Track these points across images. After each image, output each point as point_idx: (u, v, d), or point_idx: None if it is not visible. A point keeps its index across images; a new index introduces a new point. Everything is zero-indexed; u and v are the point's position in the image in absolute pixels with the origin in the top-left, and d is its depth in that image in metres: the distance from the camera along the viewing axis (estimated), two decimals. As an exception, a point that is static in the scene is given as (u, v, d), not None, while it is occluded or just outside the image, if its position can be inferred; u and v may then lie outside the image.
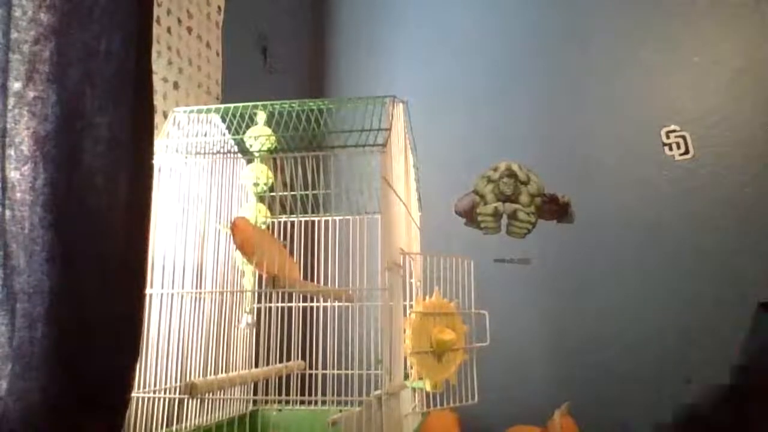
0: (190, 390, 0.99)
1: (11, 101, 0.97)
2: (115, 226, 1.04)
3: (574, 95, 2.24)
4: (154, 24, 1.41)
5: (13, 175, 0.97)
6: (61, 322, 0.98)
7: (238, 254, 1.13)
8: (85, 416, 0.98)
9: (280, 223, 1.40)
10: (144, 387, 1.04)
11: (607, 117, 2.20)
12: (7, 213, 0.96)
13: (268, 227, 1.32)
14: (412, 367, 1.16)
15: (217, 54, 1.74)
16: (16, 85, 0.97)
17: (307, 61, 2.37)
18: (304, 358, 1.31)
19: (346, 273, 1.30)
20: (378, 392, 1.02)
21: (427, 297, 1.26)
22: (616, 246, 2.10)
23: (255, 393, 1.30)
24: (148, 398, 1.01)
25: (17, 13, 0.97)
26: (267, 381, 1.27)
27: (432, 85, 2.34)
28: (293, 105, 1.37)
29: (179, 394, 1.02)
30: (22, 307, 0.96)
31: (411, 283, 1.31)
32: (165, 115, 1.33)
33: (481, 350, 1.25)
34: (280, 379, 1.27)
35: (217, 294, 1.14)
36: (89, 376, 0.99)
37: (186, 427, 1.11)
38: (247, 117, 1.36)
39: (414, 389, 1.23)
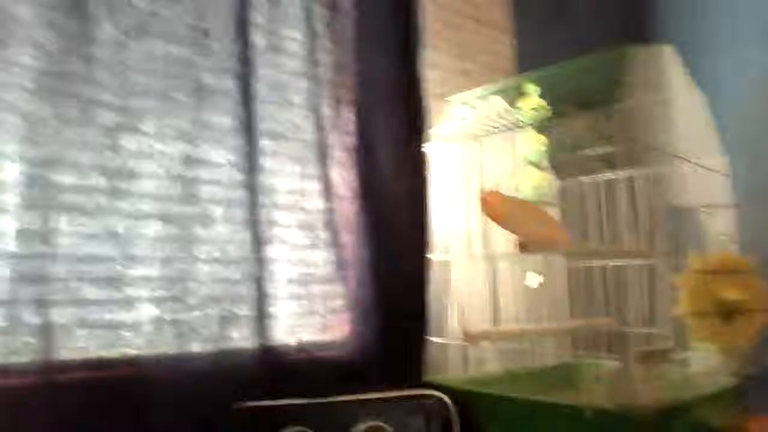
0: (468, 338, 1.18)
1: (326, 125, 1.32)
2: (402, 207, 1.31)
3: None
4: (437, 21, 1.62)
5: (334, 178, 1.33)
6: (377, 282, 1.31)
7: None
8: (399, 352, 1.29)
9: (560, 187, 1.45)
10: (439, 335, 1.29)
11: None
12: (334, 205, 1.32)
13: (545, 195, 1.39)
14: (691, 330, 1.08)
15: (505, 26, 1.83)
16: (327, 112, 1.32)
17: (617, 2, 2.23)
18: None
19: (629, 231, 1.29)
20: (638, 349, 1.02)
21: (714, 252, 1.14)
22: None
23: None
24: (440, 343, 1.25)
25: (321, 57, 1.32)
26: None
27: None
28: (562, 69, 1.40)
29: (462, 341, 1.23)
30: (351, 273, 1.32)
31: (703, 238, 1.20)
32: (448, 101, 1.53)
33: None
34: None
35: (496, 258, 1.30)
36: (398, 322, 1.29)
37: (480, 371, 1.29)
38: (520, 90, 1.45)
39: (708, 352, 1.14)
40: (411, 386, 1.17)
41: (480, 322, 1.25)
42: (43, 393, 0.90)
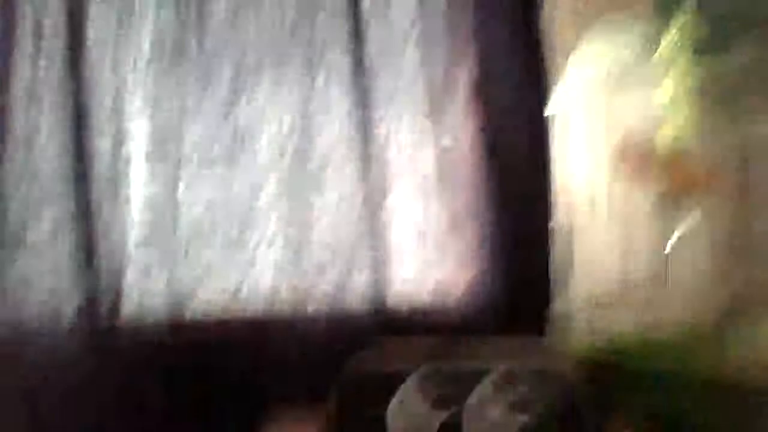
0: (596, 301, 1.09)
1: (443, 78, 1.26)
2: (524, 162, 1.24)
3: None
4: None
5: (452, 132, 1.27)
6: (496, 239, 1.26)
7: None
8: (520, 312, 1.22)
9: (716, 131, 1.24)
10: (564, 298, 1.20)
11: None
12: (452, 161, 1.27)
13: (693, 142, 1.20)
14: None
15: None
16: (443, 67, 1.26)
17: None
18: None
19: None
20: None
21: None
22: None
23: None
24: (565, 306, 1.17)
25: (436, 9, 1.24)
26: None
27: None
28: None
29: (588, 304, 1.13)
30: (470, 230, 1.27)
31: None
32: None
33: None
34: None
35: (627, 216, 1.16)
36: (520, 280, 1.23)
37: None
38: (668, 13, 1.25)
39: None
40: (531, 350, 1.11)
41: (609, 285, 1.14)
42: (168, 348, 0.97)
